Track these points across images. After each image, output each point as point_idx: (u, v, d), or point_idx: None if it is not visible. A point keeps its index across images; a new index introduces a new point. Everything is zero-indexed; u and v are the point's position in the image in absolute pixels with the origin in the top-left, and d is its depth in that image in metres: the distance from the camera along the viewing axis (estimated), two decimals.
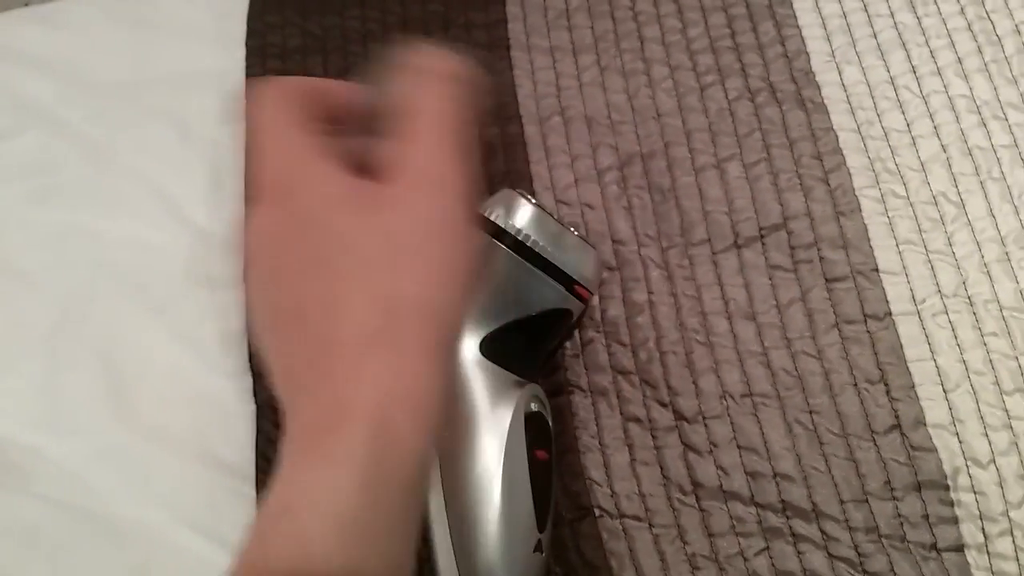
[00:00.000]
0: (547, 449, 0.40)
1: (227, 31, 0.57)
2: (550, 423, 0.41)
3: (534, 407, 0.40)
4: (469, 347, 0.40)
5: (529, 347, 0.42)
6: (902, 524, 0.40)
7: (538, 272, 0.40)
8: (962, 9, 0.51)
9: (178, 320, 0.48)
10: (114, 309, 0.49)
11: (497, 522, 0.36)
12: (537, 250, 0.40)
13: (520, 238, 0.40)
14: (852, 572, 0.40)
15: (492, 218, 0.40)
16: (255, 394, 0.46)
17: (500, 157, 0.51)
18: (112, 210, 0.52)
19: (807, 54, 0.51)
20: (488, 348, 0.40)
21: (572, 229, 0.42)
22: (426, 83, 0.31)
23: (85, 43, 0.59)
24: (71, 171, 0.54)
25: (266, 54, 0.56)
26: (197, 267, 0.50)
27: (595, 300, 0.46)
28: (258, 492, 0.44)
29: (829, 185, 0.47)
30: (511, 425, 0.38)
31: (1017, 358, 0.43)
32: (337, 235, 0.28)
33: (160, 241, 0.51)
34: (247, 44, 0.56)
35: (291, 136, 0.29)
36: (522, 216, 0.40)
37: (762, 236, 0.47)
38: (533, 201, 0.41)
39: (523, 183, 0.50)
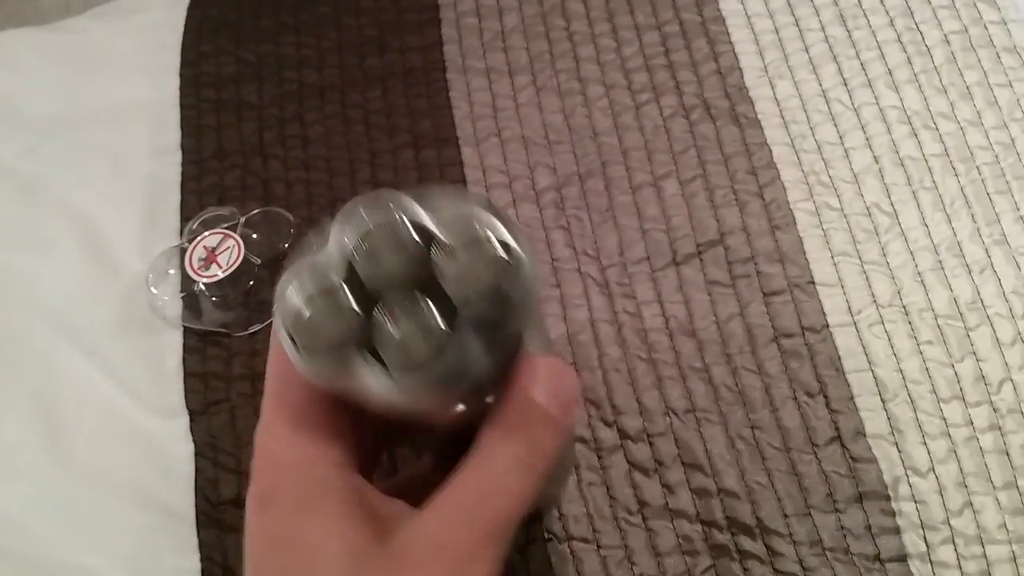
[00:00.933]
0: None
1: (160, 61, 0.57)
2: None
3: None
4: None
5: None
6: (845, 536, 0.40)
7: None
8: (891, 21, 0.51)
9: (112, 360, 0.48)
10: (48, 350, 0.48)
11: None
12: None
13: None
14: None
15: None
16: (192, 433, 0.46)
17: (437, 179, 0.51)
18: (45, 249, 0.51)
19: (740, 70, 0.51)
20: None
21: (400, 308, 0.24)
22: (535, 443, 0.27)
23: (16, 78, 0.58)
24: (3, 209, 0.53)
25: (200, 83, 0.55)
26: (130, 308, 0.49)
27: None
28: (198, 534, 0.43)
29: (764, 199, 0.47)
30: None
31: (953, 366, 0.43)
32: None
33: (93, 281, 0.50)
34: (181, 74, 0.56)
35: (305, 447, 0.27)
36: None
37: (700, 252, 0.47)
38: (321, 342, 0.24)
39: None
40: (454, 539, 0.26)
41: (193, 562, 0.43)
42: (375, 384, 0.23)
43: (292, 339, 0.24)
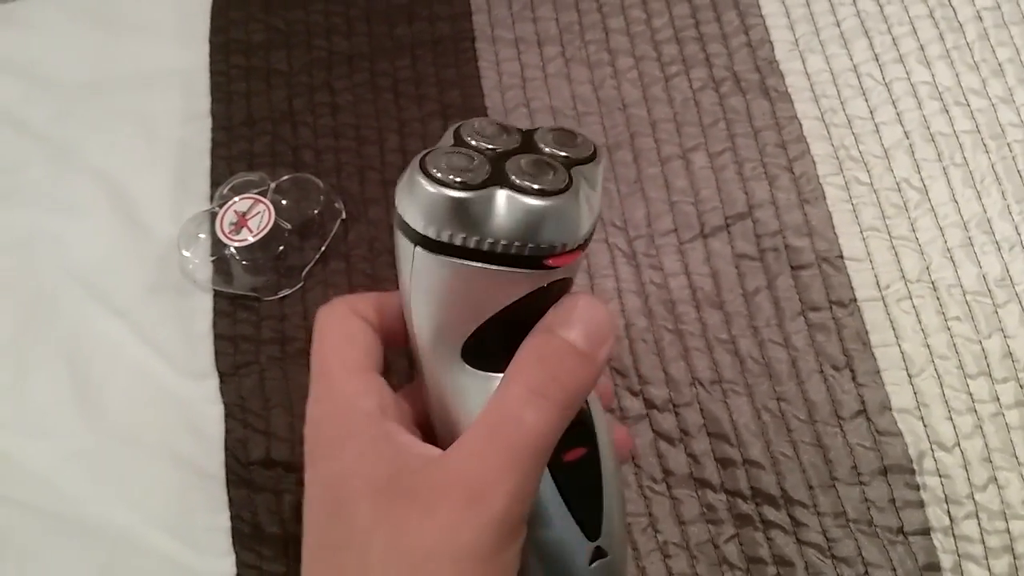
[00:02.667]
0: (583, 443, 0.32)
1: (190, 28, 0.57)
2: (585, 413, 0.32)
3: None
4: (450, 362, 0.30)
5: (515, 336, 0.30)
6: (869, 509, 0.41)
7: (492, 268, 0.27)
8: None
9: (143, 322, 0.48)
10: (79, 312, 0.49)
11: (535, 555, 0.31)
12: (473, 248, 0.27)
13: (446, 239, 0.27)
14: (820, 557, 0.40)
15: (404, 216, 0.27)
16: (222, 395, 0.46)
17: None
18: (76, 212, 0.52)
19: (771, 43, 0.51)
20: (471, 356, 0.30)
21: (526, 171, 0.27)
22: (553, 373, 0.28)
23: (48, 43, 0.58)
24: (35, 172, 0.53)
25: (230, 50, 0.55)
26: (161, 272, 0.50)
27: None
28: (228, 492, 0.44)
29: (793, 173, 0.47)
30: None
31: (980, 342, 0.43)
32: (354, 528, 0.27)
33: (124, 244, 0.50)
34: (211, 40, 0.56)
35: (346, 391, 0.30)
36: (434, 209, 0.26)
37: (728, 225, 0.47)
38: (456, 185, 0.26)
39: None
40: (469, 472, 0.27)
41: (224, 520, 0.43)
42: (512, 217, 0.26)
43: (439, 185, 0.26)
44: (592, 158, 0.29)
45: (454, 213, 0.26)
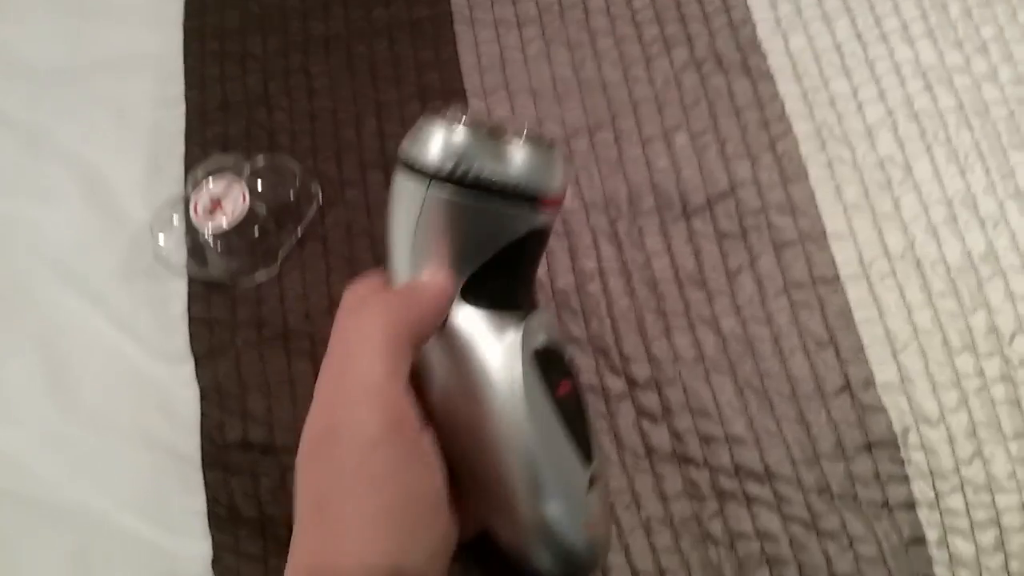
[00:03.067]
0: (567, 378, 0.35)
1: (164, 13, 0.56)
2: (563, 350, 0.37)
3: (541, 339, 0.35)
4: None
5: (511, 277, 0.36)
6: (854, 484, 0.40)
7: (496, 201, 0.33)
8: None
9: (117, 307, 0.47)
10: (52, 297, 0.48)
11: (540, 480, 0.33)
12: (484, 179, 0.33)
13: (461, 173, 0.32)
14: (805, 532, 0.39)
15: (420, 158, 0.33)
16: (198, 378, 0.45)
17: None
18: (49, 197, 0.51)
19: (753, 23, 0.51)
20: (471, 294, 0.34)
21: (516, 133, 0.34)
22: None
23: (20, 29, 0.57)
24: (8, 158, 0.53)
25: (204, 35, 0.55)
26: (135, 256, 0.49)
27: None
28: (204, 475, 0.43)
29: (776, 152, 0.47)
30: (523, 371, 0.33)
31: (965, 317, 0.42)
32: (356, 469, 0.30)
33: (97, 229, 0.50)
34: (185, 25, 0.55)
35: (375, 357, 0.32)
36: (454, 146, 0.33)
37: (710, 204, 0.46)
38: (460, 120, 0.33)
39: None
40: None
41: (200, 503, 0.42)
42: (520, 158, 0.33)
43: (461, 124, 0.33)
44: (552, 144, 0.35)
45: (475, 147, 0.33)
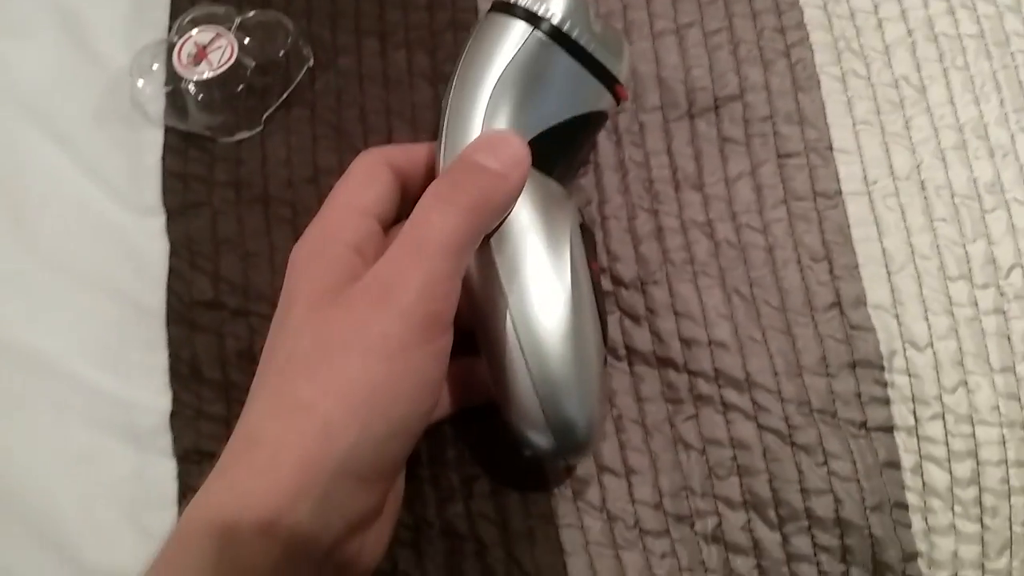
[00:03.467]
0: (595, 258, 0.36)
1: None
2: (594, 231, 0.40)
3: (579, 216, 0.36)
4: None
5: (567, 153, 0.37)
6: (834, 400, 0.39)
7: (585, 69, 0.35)
8: None
9: (87, 151, 0.45)
10: (16, 135, 0.45)
11: (573, 341, 0.33)
12: (584, 44, 0.35)
13: (567, 30, 0.34)
14: (780, 443, 0.39)
15: (532, 5, 0.34)
16: (168, 232, 0.43)
17: (448, 5, 0.48)
18: (21, 32, 0.48)
19: None
20: (534, 156, 0.34)
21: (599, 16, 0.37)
22: (457, 182, 0.32)
23: None
24: None
25: None
26: (109, 100, 0.46)
27: None
28: (167, 329, 0.41)
29: (790, 59, 0.45)
30: (571, 239, 0.34)
31: (964, 245, 0.41)
32: (289, 327, 0.31)
33: (72, 69, 0.47)
34: None
35: (334, 223, 0.33)
36: (568, 4, 0.34)
37: (717, 107, 0.45)
38: None
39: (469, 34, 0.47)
40: (382, 273, 0.30)
41: (161, 359, 0.41)
42: (613, 39, 0.37)
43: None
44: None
45: (583, 13, 0.35)
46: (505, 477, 0.39)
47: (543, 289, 0.32)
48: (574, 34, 0.34)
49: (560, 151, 0.36)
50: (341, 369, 0.29)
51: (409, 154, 0.36)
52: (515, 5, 0.35)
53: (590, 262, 0.35)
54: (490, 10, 0.35)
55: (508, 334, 0.32)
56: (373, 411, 0.29)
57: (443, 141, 0.34)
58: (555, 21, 0.34)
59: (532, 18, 0.34)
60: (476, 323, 0.33)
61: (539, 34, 0.34)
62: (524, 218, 0.33)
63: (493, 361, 0.33)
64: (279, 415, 0.29)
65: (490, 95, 0.34)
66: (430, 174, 0.35)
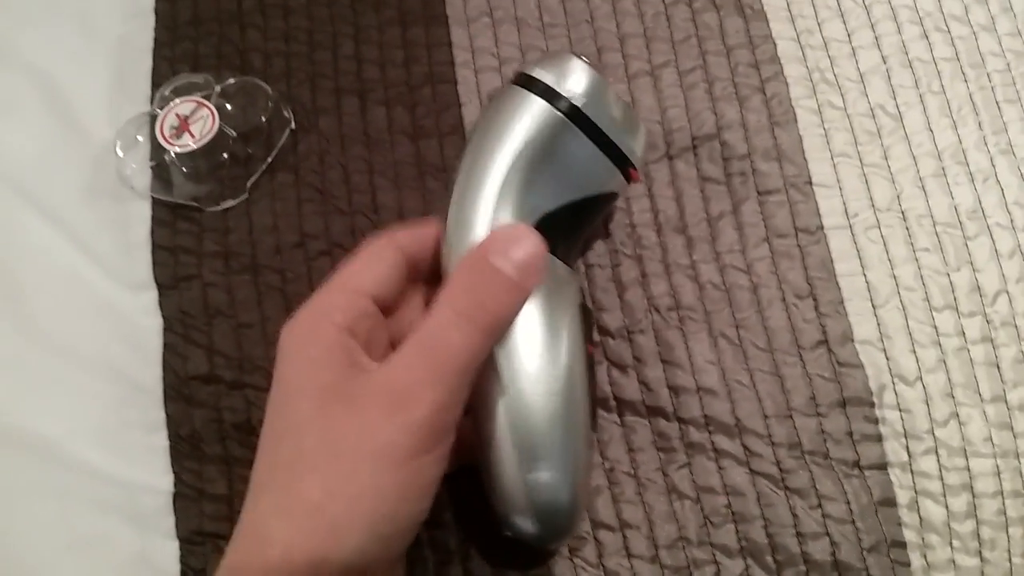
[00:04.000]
0: (591, 340, 0.36)
1: None
2: (592, 312, 0.40)
3: (580, 296, 0.36)
4: None
5: (573, 232, 0.37)
6: (825, 441, 0.39)
7: (598, 151, 0.35)
8: None
9: (77, 228, 0.45)
10: (9, 214, 0.46)
11: (563, 432, 0.33)
12: (601, 126, 0.35)
13: (581, 106, 0.34)
14: (773, 488, 0.39)
15: (546, 80, 0.34)
16: (161, 308, 0.44)
17: (424, 60, 0.48)
18: (8, 110, 0.49)
19: None
20: (540, 233, 0.33)
21: (622, 96, 0.37)
22: (476, 298, 0.31)
23: None
24: None
25: None
26: (97, 175, 0.47)
27: None
28: (165, 407, 0.42)
29: (765, 95, 0.45)
30: (570, 324, 0.34)
31: (948, 274, 0.42)
32: (294, 422, 0.31)
33: (58, 145, 0.48)
34: None
35: (329, 303, 0.33)
36: (581, 80, 0.34)
37: (695, 146, 0.45)
38: (590, 62, 0.35)
39: (447, 87, 0.47)
40: (396, 381, 0.30)
41: (160, 438, 0.41)
42: (632, 125, 0.37)
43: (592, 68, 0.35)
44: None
45: (604, 96, 0.35)
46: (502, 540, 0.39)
47: (538, 379, 0.32)
48: (593, 116, 0.34)
49: (567, 229, 0.36)
50: (350, 474, 0.29)
51: (416, 235, 0.36)
52: (536, 80, 0.34)
53: (587, 344, 0.35)
54: (511, 81, 0.35)
55: (499, 420, 0.32)
56: (380, 514, 0.29)
57: (452, 218, 0.34)
58: (575, 101, 0.34)
59: (552, 95, 0.34)
60: (471, 400, 0.33)
61: (558, 113, 0.34)
62: (527, 306, 0.33)
63: (482, 443, 0.33)
64: (290, 515, 0.29)
65: (503, 175, 0.34)
66: (437, 252, 0.35)
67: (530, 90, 0.34)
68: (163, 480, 0.41)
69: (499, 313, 0.31)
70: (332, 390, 0.30)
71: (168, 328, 0.44)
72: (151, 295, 0.44)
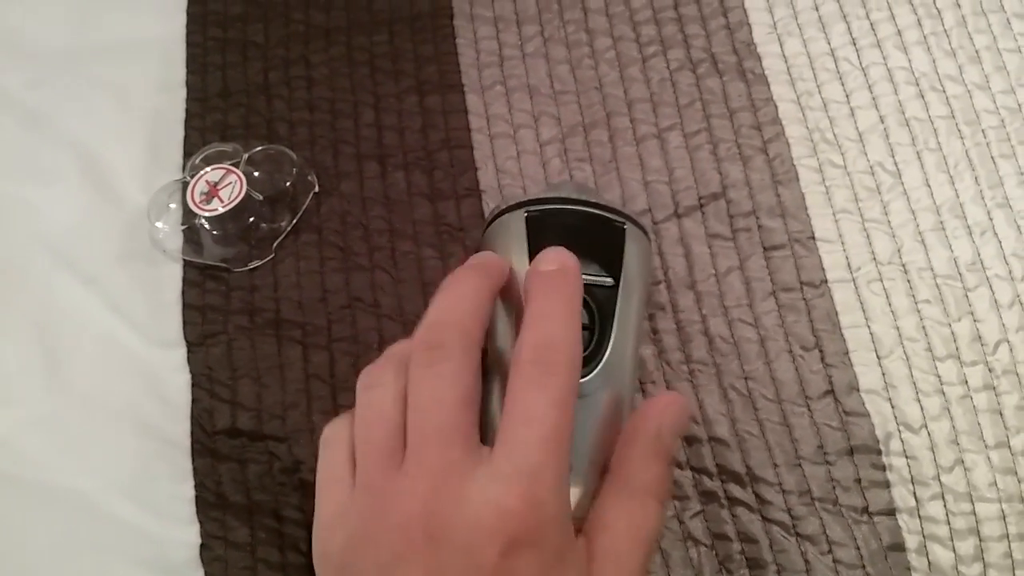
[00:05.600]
0: None
1: None
2: None
3: None
4: None
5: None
6: (834, 488, 0.41)
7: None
8: None
9: (111, 291, 0.48)
10: (48, 279, 0.48)
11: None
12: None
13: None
14: (785, 535, 0.40)
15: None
16: (189, 364, 0.46)
17: (441, 127, 0.50)
18: (47, 180, 0.51)
19: (749, 26, 0.51)
20: None
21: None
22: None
23: (25, 10, 0.57)
24: (8, 139, 0.53)
25: (207, 21, 0.55)
26: (131, 241, 0.49)
27: None
28: (193, 461, 0.43)
29: (768, 155, 0.47)
30: None
31: (950, 325, 0.43)
32: None
33: (94, 213, 0.50)
34: (188, 11, 0.55)
35: None
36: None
37: (702, 205, 0.47)
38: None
39: (463, 152, 0.49)
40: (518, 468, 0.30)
41: (188, 488, 0.43)
42: None
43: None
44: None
45: None
46: None
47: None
48: None
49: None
50: None
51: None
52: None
53: None
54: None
55: None
56: None
57: None
58: None
59: None
60: None
61: None
62: None
63: None
64: None
65: None
66: None
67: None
68: (190, 532, 0.42)
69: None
70: None
71: (195, 384, 0.45)
72: (180, 352, 0.46)
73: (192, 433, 0.44)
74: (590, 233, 0.40)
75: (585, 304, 0.37)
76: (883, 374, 0.42)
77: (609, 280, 0.39)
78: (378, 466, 0.31)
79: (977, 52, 0.49)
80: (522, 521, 0.28)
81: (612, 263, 0.40)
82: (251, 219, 0.48)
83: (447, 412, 0.31)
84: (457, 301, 0.34)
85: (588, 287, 0.38)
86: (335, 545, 0.31)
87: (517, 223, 0.40)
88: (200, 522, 0.42)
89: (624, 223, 0.40)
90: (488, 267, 0.37)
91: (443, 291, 0.35)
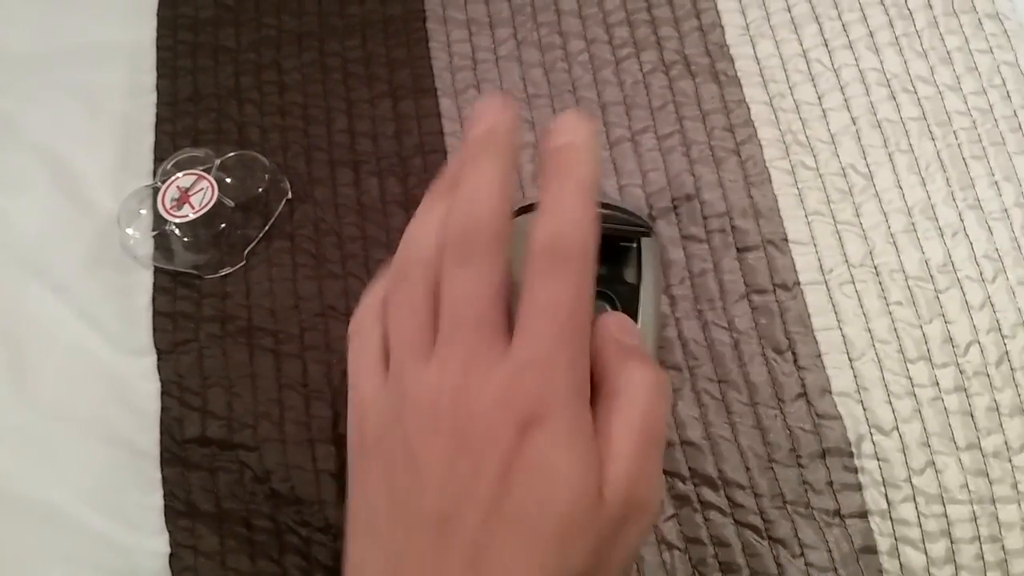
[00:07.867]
0: None
1: (138, 2, 0.56)
2: None
3: None
4: None
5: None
6: (806, 491, 0.41)
7: None
8: None
9: (82, 298, 0.47)
10: (16, 287, 0.48)
11: None
12: None
13: None
14: (757, 538, 0.40)
15: None
16: (159, 372, 0.45)
17: (414, 132, 0.50)
18: (16, 186, 0.51)
19: (722, 28, 0.51)
20: None
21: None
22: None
23: None
24: None
25: (177, 25, 0.55)
26: (101, 247, 0.49)
27: None
28: (162, 470, 0.43)
29: (740, 156, 0.47)
30: None
31: (921, 327, 0.43)
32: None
33: (64, 219, 0.50)
34: (158, 15, 0.55)
35: None
36: None
37: (675, 207, 0.47)
38: None
39: (437, 157, 0.49)
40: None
41: (156, 498, 0.43)
42: None
43: None
44: None
45: None
46: None
47: None
48: None
49: None
50: None
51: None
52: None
53: None
54: None
55: None
56: None
57: None
58: None
59: None
60: None
61: None
62: None
63: None
64: None
65: None
66: None
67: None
68: (159, 540, 0.42)
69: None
70: None
71: (165, 392, 0.45)
72: (150, 360, 0.46)
73: (161, 442, 0.44)
74: (606, 238, 0.39)
75: (610, 300, 0.39)
76: (855, 376, 0.42)
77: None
78: (412, 355, 0.32)
79: (948, 53, 0.49)
80: (537, 404, 0.29)
81: (630, 266, 0.41)
82: (223, 225, 0.48)
83: (479, 307, 0.31)
84: (484, 194, 0.33)
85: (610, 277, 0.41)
86: (369, 426, 0.32)
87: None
88: (169, 531, 0.42)
89: (642, 225, 0.41)
90: (499, 144, 0.34)
91: (466, 180, 0.33)
